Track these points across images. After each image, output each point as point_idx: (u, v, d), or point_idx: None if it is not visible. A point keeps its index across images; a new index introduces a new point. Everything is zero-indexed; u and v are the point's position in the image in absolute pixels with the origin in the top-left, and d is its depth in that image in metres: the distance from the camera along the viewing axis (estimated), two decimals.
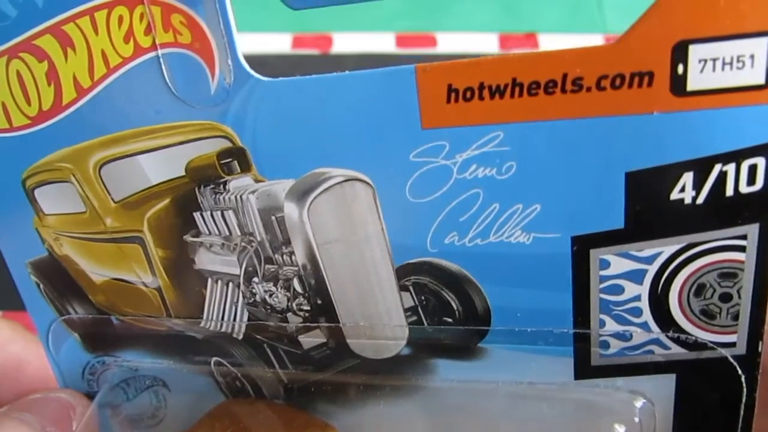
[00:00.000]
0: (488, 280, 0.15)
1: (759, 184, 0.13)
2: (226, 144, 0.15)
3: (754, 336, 0.14)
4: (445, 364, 0.17)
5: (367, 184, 0.15)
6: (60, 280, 0.18)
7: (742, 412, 0.15)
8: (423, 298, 0.16)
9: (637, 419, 0.15)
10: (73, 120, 0.16)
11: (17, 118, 0.16)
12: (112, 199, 0.17)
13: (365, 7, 0.43)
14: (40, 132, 0.16)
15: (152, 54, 0.14)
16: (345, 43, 0.45)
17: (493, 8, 0.47)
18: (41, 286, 0.18)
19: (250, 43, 0.44)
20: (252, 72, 0.14)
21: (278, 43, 0.45)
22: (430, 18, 0.46)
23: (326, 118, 0.14)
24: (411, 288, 0.16)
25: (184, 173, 0.16)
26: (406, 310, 0.16)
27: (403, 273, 0.16)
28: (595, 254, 0.14)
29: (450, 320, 0.16)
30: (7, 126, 0.16)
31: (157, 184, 0.16)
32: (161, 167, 0.16)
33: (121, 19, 0.14)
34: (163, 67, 0.15)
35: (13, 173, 0.17)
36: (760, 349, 0.14)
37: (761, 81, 0.12)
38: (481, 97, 0.13)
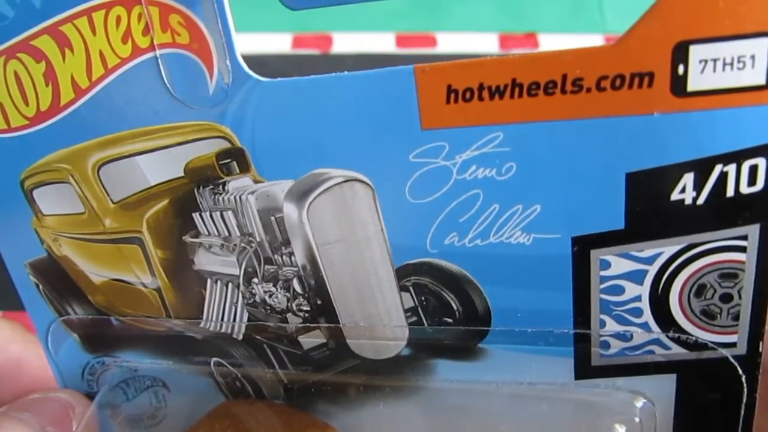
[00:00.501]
0: (488, 280, 0.15)
1: (760, 184, 0.13)
2: (225, 145, 0.15)
3: (755, 336, 0.14)
4: (445, 365, 0.17)
5: (367, 184, 0.15)
6: (59, 280, 0.18)
7: (742, 412, 0.15)
8: (423, 298, 0.16)
9: (637, 419, 0.15)
10: (72, 121, 0.15)
11: (15, 118, 0.16)
12: (111, 199, 0.17)
13: (365, 7, 0.43)
14: (38, 133, 0.16)
15: (150, 54, 0.14)
16: (345, 43, 0.45)
17: (493, 8, 0.47)
18: (40, 286, 0.18)
19: (250, 43, 0.44)
20: (250, 72, 0.14)
21: (278, 43, 0.45)
22: (430, 18, 0.46)
23: (325, 118, 0.14)
24: (411, 288, 0.16)
25: (182, 174, 0.16)
26: (406, 311, 0.16)
27: (403, 273, 0.16)
28: (596, 255, 0.14)
29: (450, 321, 0.16)
30: (5, 127, 0.16)
31: (155, 185, 0.16)
32: (160, 168, 0.16)
33: (118, 19, 0.14)
34: (162, 67, 0.14)
35: (12, 174, 0.17)
36: (760, 349, 0.14)
37: (762, 81, 0.12)
38: (480, 98, 0.13)
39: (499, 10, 0.47)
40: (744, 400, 0.14)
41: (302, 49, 0.45)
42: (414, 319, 0.16)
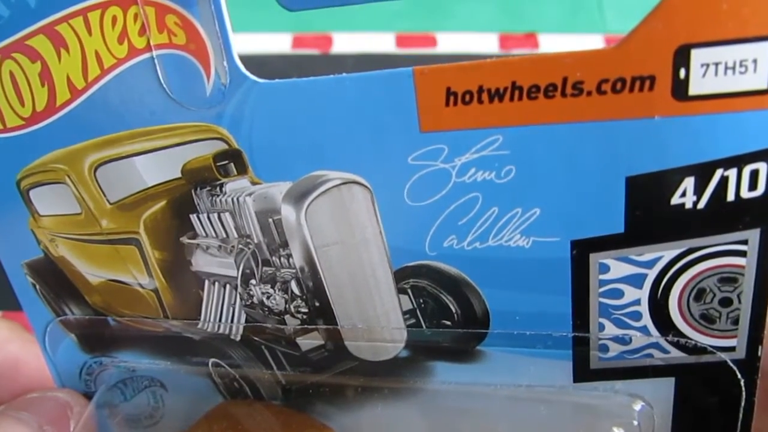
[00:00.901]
0: (487, 283, 0.15)
1: (760, 189, 0.13)
2: (222, 146, 0.15)
3: (754, 340, 0.14)
4: (443, 367, 0.16)
5: (365, 187, 0.15)
6: (56, 281, 0.18)
7: (740, 416, 0.15)
8: (421, 301, 0.16)
9: (635, 422, 0.15)
10: (68, 121, 0.15)
11: (11, 119, 0.16)
12: (108, 200, 0.17)
13: (365, 7, 0.43)
14: (34, 133, 0.16)
15: (147, 55, 0.14)
16: (345, 43, 0.45)
17: (493, 8, 0.47)
18: (37, 287, 0.18)
19: (250, 43, 0.44)
20: (248, 73, 0.14)
21: (278, 44, 0.45)
22: (430, 18, 0.46)
23: (323, 120, 0.14)
24: (409, 291, 0.16)
25: (180, 175, 0.16)
26: (404, 313, 0.16)
27: (401, 276, 0.16)
28: (595, 258, 0.14)
29: (448, 323, 0.16)
30: (1, 127, 0.16)
31: (153, 186, 0.16)
32: (157, 169, 0.16)
33: (114, 19, 0.14)
34: (158, 68, 0.14)
35: (8, 174, 0.17)
36: (759, 353, 0.14)
37: (764, 86, 0.12)
38: (480, 101, 0.13)
39: (499, 10, 0.47)
40: (742, 404, 0.14)
41: (302, 49, 0.45)
42: (412, 321, 0.16)
